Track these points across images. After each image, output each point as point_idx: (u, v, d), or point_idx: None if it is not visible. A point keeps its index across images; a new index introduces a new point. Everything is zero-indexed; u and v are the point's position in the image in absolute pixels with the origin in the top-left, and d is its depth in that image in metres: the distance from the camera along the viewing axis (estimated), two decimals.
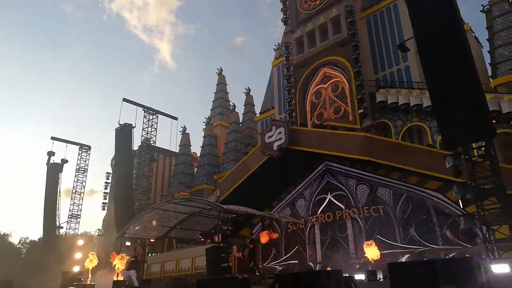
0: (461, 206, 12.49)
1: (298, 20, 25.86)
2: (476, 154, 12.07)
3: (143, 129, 32.72)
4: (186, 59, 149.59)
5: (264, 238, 16.62)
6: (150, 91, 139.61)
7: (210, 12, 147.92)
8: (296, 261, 19.56)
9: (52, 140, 37.52)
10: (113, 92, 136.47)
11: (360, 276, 11.87)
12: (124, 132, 30.29)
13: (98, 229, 44.64)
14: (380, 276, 10.85)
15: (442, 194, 15.59)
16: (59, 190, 36.19)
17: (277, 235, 20.25)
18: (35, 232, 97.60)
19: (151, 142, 32.70)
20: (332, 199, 19.52)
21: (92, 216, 76.03)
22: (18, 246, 46.90)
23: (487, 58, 19.49)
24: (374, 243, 14.30)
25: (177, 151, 33.81)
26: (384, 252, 16.08)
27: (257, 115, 30.56)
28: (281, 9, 26.57)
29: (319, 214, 19.79)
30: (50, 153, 36.92)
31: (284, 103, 25.19)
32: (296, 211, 21.00)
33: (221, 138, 32.47)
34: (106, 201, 36.79)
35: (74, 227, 37.77)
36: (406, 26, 19.35)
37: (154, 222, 19.26)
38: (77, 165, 39.13)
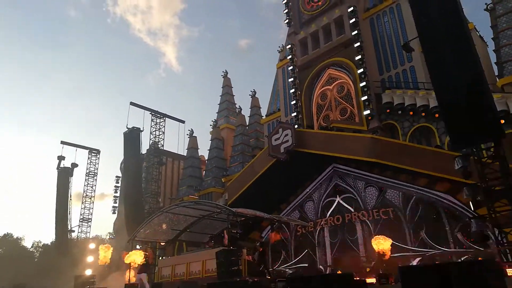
0: (472, 208, 12.45)
1: (301, 21, 25.93)
2: (485, 155, 12.05)
3: (151, 133, 33.01)
4: (191, 62, 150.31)
5: (274, 237, 16.71)
6: (156, 94, 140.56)
7: (214, 14, 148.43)
8: (306, 265, 19.47)
9: (62, 145, 38.04)
10: (120, 96, 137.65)
11: (371, 280, 11.91)
12: (132, 136, 30.57)
13: (109, 233, 45.14)
14: (391, 279, 10.88)
15: (452, 196, 15.41)
16: (70, 194, 36.66)
17: (287, 234, 20.21)
18: (48, 236, 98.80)
19: (159, 145, 32.95)
20: (341, 201, 19.43)
21: (103, 219, 76.74)
22: (31, 250, 47.64)
23: (493, 57, 19.44)
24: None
25: (185, 155, 34.02)
26: (395, 255, 16.06)
27: (263, 117, 30.68)
28: (284, 11, 26.66)
29: (328, 217, 19.70)
30: (60, 158, 37.37)
31: (290, 105, 25.25)
32: (305, 214, 20.97)
33: (228, 141, 32.62)
34: (117, 204, 37.15)
35: (85, 230, 38.24)
36: (410, 26, 19.33)
37: (164, 226, 19.38)
38: (87, 169, 39.63)
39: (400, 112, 19.23)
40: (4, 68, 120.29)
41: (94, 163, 39.81)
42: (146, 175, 32.85)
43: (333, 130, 19.88)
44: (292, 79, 24.57)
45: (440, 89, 12.59)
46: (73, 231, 36.68)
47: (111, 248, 18.48)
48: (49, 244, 45.10)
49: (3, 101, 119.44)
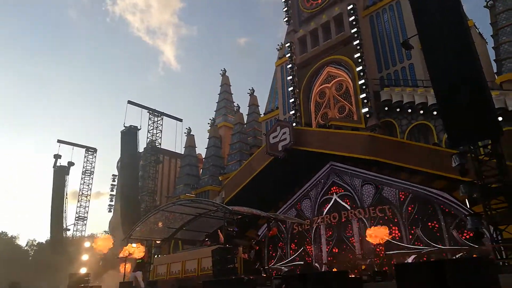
0: (468, 206, 12.36)
1: (301, 19, 25.80)
2: (482, 153, 11.95)
3: (148, 131, 32.88)
4: (190, 60, 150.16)
5: (273, 232, 16.74)
6: (154, 92, 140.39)
7: (212, 13, 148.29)
8: (302, 262, 19.46)
9: (58, 143, 37.89)
10: (118, 94, 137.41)
11: (366, 277, 11.82)
12: (129, 135, 30.47)
13: (105, 231, 44.88)
14: (386, 277, 10.79)
15: (448, 194, 15.41)
16: (66, 193, 36.46)
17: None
18: (43, 234, 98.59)
19: (156, 144, 32.83)
20: (338, 199, 19.40)
21: (99, 218, 76.57)
22: (25, 248, 47.42)
23: (492, 55, 19.33)
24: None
25: (182, 153, 33.89)
26: (391, 252, 16.03)
27: (261, 115, 30.56)
28: (283, 9, 26.53)
29: (325, 214, 19.69)
30: (57, 156, 37.22)
31: (288, 103, 25.13)
32: (302, 212, 20.91)
33: (226, 139, 32.50)
34: (113, 203, 37.01)
35: (81, 229, 38.12)
36: (410, 23, 19.22)
37: (160, 224, 19.27)
38: (83, 167, 39.51)
39: (398, 109, 19.13)
40: (9, 71, 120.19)
41: (91, 162, 39.69)
42: (142, 173, 32.72)
43: (331, 128, 19.78)
44: (290, 77, 24.42)
45: (438, 87, 12.51)
46: (69, 230, 36.61)
47: (113, 241, 18.35)
48: (44, 242, 44.96)
49: (8, 104, 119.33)
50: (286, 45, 25.67)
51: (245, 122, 31.81)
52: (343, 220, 18.80)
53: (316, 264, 19.03)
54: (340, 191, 19.48)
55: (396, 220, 16.93)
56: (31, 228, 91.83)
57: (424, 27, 13.02)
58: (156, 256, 21.47)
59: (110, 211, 37.37)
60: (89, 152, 39.93)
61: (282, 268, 20.11)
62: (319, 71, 23.68)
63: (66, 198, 36.25)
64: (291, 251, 20.58)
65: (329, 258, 18.81)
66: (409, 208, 16.79)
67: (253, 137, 30.78)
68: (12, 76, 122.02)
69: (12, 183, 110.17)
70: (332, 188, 19.91)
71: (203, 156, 32.27)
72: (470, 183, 11.31)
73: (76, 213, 38.34)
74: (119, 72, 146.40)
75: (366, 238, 15.91)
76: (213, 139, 31.38)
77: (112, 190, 37.31)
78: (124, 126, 30.59)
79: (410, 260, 15.35)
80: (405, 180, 16.93)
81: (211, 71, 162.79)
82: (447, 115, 12.21)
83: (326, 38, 23.42)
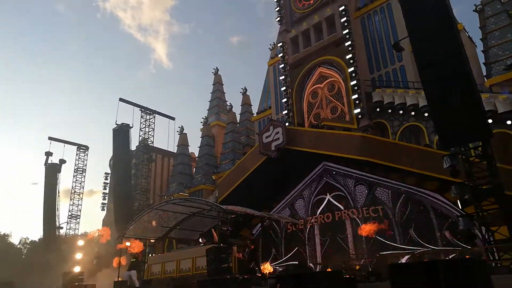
0: (460, 207, 12.60)
1: (293, 19, 25.90)
2: (473, 154, 12.20)
3: (140, 129, 32.73)
4: (182, 59, 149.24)
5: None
6: (146, 90, 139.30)
7: (205, 11, 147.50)
8: (296, 262, 19.55)
9: (49, 141, 37.47)
10: (109, 91, 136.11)
11: (360, 277, 12.02)
12: (121, 133, 30.31)
13: (98, 230, 44.63)
14: (380, 277, 11.01)
15: (440, 195, 15.65)
16: (58, 191, 36.13)
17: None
18: (35, 232, 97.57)
19: (149, 142, 32.73)
20: (331, 199, 19.58)
21: (92, 216, 76.09)
22: (18, 246, 46.94)
23: (481, 58, 19.72)
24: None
25: (175, 151, 33.85)
26: (384, 253, 16.28)
27: (254, 115, 30.67)
28: (276, 9, 26.61)
29: (318, 214, 19.87)
30: (48, 154, 36.80)
31: (281, 103, 25.27)
32: (296, 211, 21.07)
33: (219, 138, 32.54)
34: (106, 201, 36.85)
35: (74, 227, 37.81)
36: (401, 25, 19.46)
37: (153, 223, 19.31)
38: (75, 165, 39.12)
39: (390, 111, 19.38)
40: None
41: (83, 160, 39.35)
42: (135, 172, 32.63)
43: (324, 128, 19.98)
44: (283, 77, 24.56)
45: (429, 89, 12.76)
46: (61, 228, 36.28)
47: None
48: (37, 240, 44.57)
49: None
50: (279, 45, 25.78)
51: (238, 121, 31.88)
52: (336, 220, 19.01)
53: (310, 264, 19.19)
54: (333, 191, 19.66)
55: (389, 220, 17.13)
56: (24, 226, 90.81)
57: (414, 29, 13.26)
58: (150, 255, 21.48)
59: (103, 209, 37.24)
60: (81, 150, 39.59)
61: (277, 268, 20.27)
62: (311, 72, 23.87)
63: (59, 196, 35.93)
64: (285, 251, 20.72)
65: (323, 258, 19.01)
66: (402, 209, 17.01)
67: (246, 136, 30.88)
68: (0, 73, 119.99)
69: (4, 181, 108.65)
70: (325, 188, 20.08)
71: (196, 155, 32.30)
72: (461, 184, 11.53)
73: (69, 211, 38.04)
74: (110, 69, 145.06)
75: (358, 232, 16.39)
76: (206, 138, 31.41)
77: (105, 188, 37.21)
78: (116, 124, 30.40)
79: (403, 260, 15.54)
80: (397, 180, 17.18)
81: (203, 69, 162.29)
82: (438, 117, 12.46)
83: (318, 38, 23.60)
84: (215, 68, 36.70)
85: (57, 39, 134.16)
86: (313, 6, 24.69)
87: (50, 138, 37.58)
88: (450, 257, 14.58)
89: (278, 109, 26.36)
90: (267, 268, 15.00)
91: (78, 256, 23.66)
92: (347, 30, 21.42)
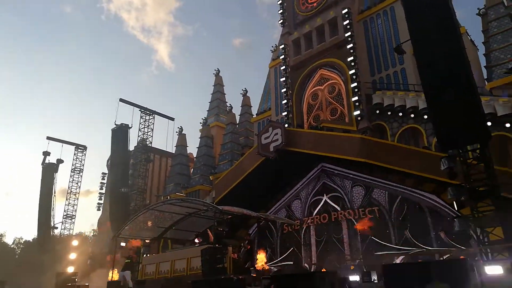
0: (456, 208, 12.49)
1: (296, 22, 25.94)
2: (471, 156, 12.10)
3: (139, 130, 32.67)
4: (184, 60, 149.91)
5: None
6: (147, 91, 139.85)
7: (208, 13, 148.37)
8: (291, 262, 19.49)
9: (47, 140, 37.42)
10: (110, 92, 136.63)
11: (355, 278, 11.90)
12: (120, 133, 30.24)
13: (93, 230, 44.53)
14: (374, 277, 10.88)
15: (437, 196, 15.56)
16: (54, 191, 36.01)
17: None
18: (30, 232, 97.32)
19: (147, 142, 32.65)
20: (328, 200, 19.49)
21: (88, 216, 75.96)
22: (12, 246, 46.74)
23: (483, 61, 19.64)
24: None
25: (174, 152, 33.76)
26: (379, 253, 16.16)
27: (254, 116, 30.57)
28: (279, 11, 26.63)
29: (315, 215, 19.77)
30: (46, 153, 36.76)
31: (281, 104, 25.20)
32: (292, 212, 20.96)
33: (218, 139, 32.46)
34: (102, 201, 36.69)
35: (69, 227, 37.62)
36: (403, 28, 19.43)
37: (149, 223, 19.17)
38: (72, 165, 39.04)
39: (389, 113, 19.32)
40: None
41: (80, 159, 39.26)
42: (133, 172, 32.50)
43: (323, 130, 19.86)
44: (284, 78, 24.52)
45: (429, 91, 12.64)
46: (56, 228, 36.13)
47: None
48: (31, 240, 44.37)
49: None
50: (280, 47, 25.76)
51: (237, 122, 31.83)
52: (332, 221, 18.91)
53: (305, 265, 19.08)
54: (330, 192, 19.56)
55: (384, 221, 17.06)
56: (18, 226, 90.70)
57: (416, 32, 13.16)
58: (145, 255, 21.30)
59: (99, 209, 37.07)
60: (79, 150, 39.51)
61: (272, 268, 20.11)
62: (312, 74, 23.81)
63: (55, 196, 35.83)
64: (280, 252, 20.59)
65: (318, 259, 18.86)
66: (398, 210, 16.91)
67: (245, 137, 30.78)
68: (1, 72, 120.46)
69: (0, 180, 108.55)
70: (322, 189, 19.97)
71: (194, 156, 32.20)
72: (458, 186, 11.45)
73: (65, 211, 37.88)
74: (112, 69, 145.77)
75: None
76: (204, 139, 31.33)
77: (101, 188, 37.04)
78: (115, 124, 30.39)
79: (398, 260, 15.53)
80: (394, 182, 17.10)
81: (204, 70, 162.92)
82: (437, 119, 12.36)
83: (320, 41, 23.56)
84: (217, 69, 36.81)
85: (60, 39, 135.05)
86: (316, 8, 24.70)
87: (48, 138, 37.61)
88: (444, 257, 14.49)
89: (278, 110, 26.28)
90: (261, 259, 14.73)
91: (72, 256, 23.52)
92: (349, 33, 21.37)
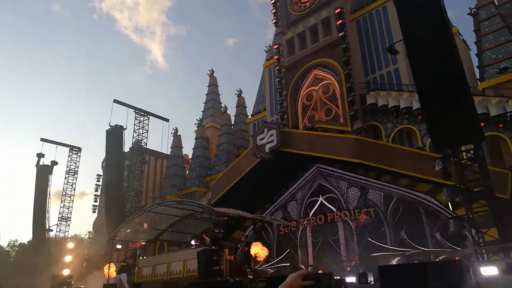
0: (451, 209, 12.61)
1: (289, 21, 25.88)
2: (465, 157, 12.20)
3: (134, 131, 32.59)
4: (178, 60, 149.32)
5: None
6: (141, 92, 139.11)
7: (201, 13, 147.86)
8: (288, 264, 19.48)
9: (41, 142, 37.16)
10: (104, 93, 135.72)
11: (351, 279, 11.95)
12: (115, 134, 30.08)
13: (88, 232, 44.27)
14: (371, 278, 10.94)
15: (432, 197, 15.62)
16: (49, 193, 35.84)
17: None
18: (25, 234, 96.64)
19: (142, 144, 32.54)
20: (324, 201, 19.51)
21: (83, 218, 75.54)
22: (7, 249, 46.36)
23: (475, 61, 19.78)
24: None
25: (169, 153, 33.64)
26: (375, 254, 16.22)
27: (249, 117, 30.54)
28: (272, 11, 26.58)
29: (311, 216, 19.77)
30: (40, 155, 36.51)
31: (276, 105, 25.20)
32: (288, 213, 20.97)
33: (213, 140, 32.38)
34: (97, 203, 36.47)
35: (64, 229, 37.43)
36: (396, 28, 19.44)
37: (145, 225, 19.13)
38: (67, 167, 38.79)
39: (383, 113, 19.37)
40: None
41: (75, 161, 39.03)
42: (128, 174, 32.36)
43: (318, 130, 19.91)
44: (278, 79, 24.50)
45: (423, 91, 12.73)
46: (51, 230, 35.92)
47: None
48: (26, 243, 44.03)
49: None
50: (274, 47, 25.73)
51: (233, 123, 31.75)
52: (328, 222, 18.93)
53: (302, 266, 19.09)
54: (326, 193, 19.58)
55: (380, 222, 17.12)
56: (13, 229, 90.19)
57: (408, 31, 13.24)
58: (141, 258, 21.23)
59: (94, 211, 36.80)
60: (73, 151, 39.27)
61: (268, 270, 20.13)
62: (307, 74, 23.81)
63: (49, 198, 35.64)
64: (276, 253, 20.56)
65: (314, 260, 18.91)
66: (394, 211, 16.96)
67: (240, 138, 30.71)
68: None
69: None
70: (318, 190, 20.00)
71: (190, 157, 32.10)
72: (452, 187, 11.54)
73: (59, 213, 37.66)
74: (105, 70, 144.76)
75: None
76: (200, 140, 31.24)
77: (96, 190, 36.81)
78: (110, 125, 30.20)
79: (394, 262, 15.54)
80: (390, 183, 17.14)
81: (199, 71, 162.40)
82: (431, 119, 12.44)
83: (314, 41, 23.56)
84: (211, 70, 36.67)
85: (51, 39, 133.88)
86: (309, 8, 24.67)
87: (42, 139, 37.33)
88: (440, 258, 14.55)
89: (273, 111, 26.27)
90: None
91: (68, 258, 23.40)
92: (342, 33, 21.39)
